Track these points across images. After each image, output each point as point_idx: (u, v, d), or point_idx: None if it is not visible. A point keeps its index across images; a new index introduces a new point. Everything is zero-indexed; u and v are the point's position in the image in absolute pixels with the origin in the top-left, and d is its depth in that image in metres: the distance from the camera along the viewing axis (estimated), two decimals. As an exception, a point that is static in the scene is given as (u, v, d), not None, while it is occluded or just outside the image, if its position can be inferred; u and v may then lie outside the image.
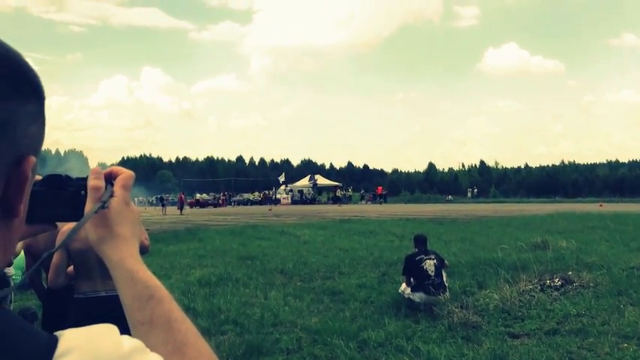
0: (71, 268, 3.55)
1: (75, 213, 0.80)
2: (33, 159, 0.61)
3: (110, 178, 0.83)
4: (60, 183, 0.81)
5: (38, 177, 0.81)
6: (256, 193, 64.87)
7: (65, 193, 0.81)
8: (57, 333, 0.58)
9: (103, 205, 0.79)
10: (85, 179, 0.81)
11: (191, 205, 53.82)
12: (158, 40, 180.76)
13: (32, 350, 0.53)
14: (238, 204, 57.77)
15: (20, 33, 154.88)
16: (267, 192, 63.44)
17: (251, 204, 58.63)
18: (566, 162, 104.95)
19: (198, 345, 0.75)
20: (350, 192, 61.56)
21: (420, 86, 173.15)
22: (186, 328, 0.76)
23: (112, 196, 0.81)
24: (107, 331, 0.60)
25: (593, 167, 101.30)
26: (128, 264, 0.79)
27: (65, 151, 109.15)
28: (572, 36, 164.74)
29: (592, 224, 18.22)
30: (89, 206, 0.79)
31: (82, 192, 0.80)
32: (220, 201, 58.55)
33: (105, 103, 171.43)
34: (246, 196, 64.19)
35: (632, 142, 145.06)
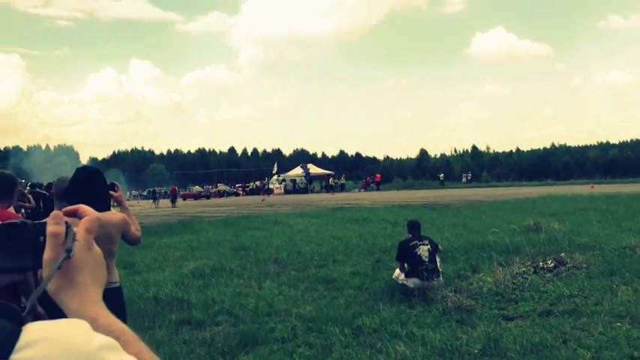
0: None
1: (34, 260, 0.78)
2: None
3: (73, 216, 0.82)
4: (16, 231, 0.79)
5: None
6: (226, 185, 68.43)
7: (23, 241, 0.79)
8: (24, 326, 0.56)
9: (68, 256, 0.77)
10: (43, 224, 0.79)
11: (183, 198, 54.25)
12: (146, 32, 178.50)
13: None
14: (210, 197, 58.26)
15: (6, 28, 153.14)
16: (259, 182, 63.91)
17: (227, 195, 60.56)
18: (556, 145, 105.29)
19: None
20: (343, 180, 61.53)
21: (409, 73, 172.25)
22: None
23: (74, 240, 0.79)
24: (77, 325, 0.59)
25: (583, 149, 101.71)
26: (88, 312, 0.76)
27: (55, 147, 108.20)
28: (558, 19, 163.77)
29: (584, 206, 18.30)
30: (48, 253, 0.76)
31: (41, 238, 0.78)
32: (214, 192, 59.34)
33: (94, 97, 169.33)
34: (221, 187, 66.16)
35: (622, 123, 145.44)
